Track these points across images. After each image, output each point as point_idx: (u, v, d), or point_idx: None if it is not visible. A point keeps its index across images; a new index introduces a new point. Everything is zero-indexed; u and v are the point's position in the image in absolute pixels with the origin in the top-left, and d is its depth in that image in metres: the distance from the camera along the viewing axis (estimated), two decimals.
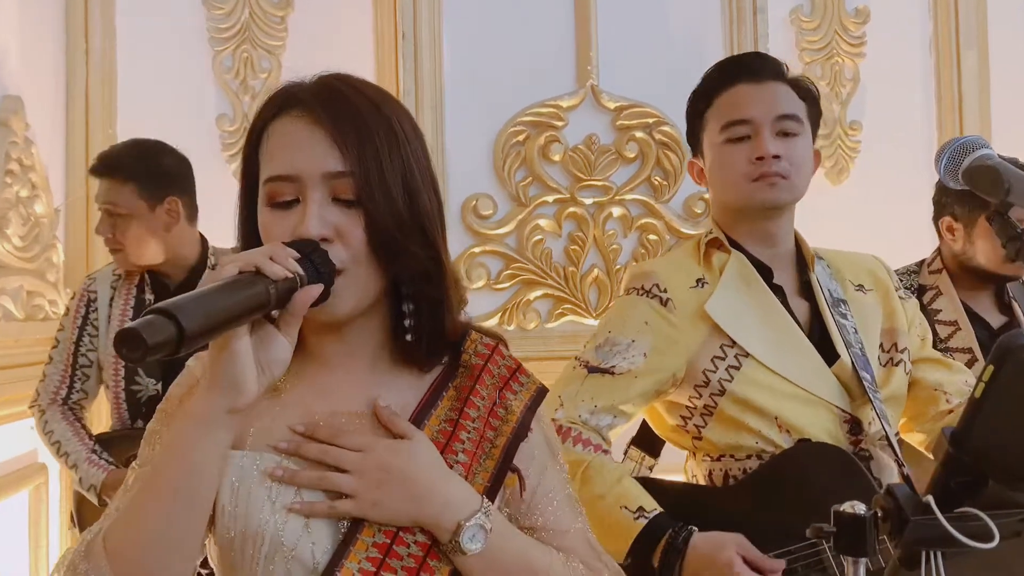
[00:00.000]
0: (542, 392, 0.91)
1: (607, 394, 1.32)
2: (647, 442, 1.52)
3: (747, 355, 1.32)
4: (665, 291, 1.36)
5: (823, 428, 1.32)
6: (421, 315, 0.84)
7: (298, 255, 0.74)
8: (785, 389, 1.32)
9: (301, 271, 0.74)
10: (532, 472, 0.89)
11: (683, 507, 1.27)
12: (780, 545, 1.22)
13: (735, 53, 2.51)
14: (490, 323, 2.38)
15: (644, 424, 1.52)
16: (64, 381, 1.97)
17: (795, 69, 2.68)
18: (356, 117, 0.80)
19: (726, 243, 1.40)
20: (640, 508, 1.23)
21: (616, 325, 1.38)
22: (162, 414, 0.87)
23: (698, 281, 1.38)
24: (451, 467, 0.83)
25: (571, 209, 2.42)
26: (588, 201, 2.43)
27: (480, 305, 2.38)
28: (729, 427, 1.33)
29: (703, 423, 1.35)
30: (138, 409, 1.93)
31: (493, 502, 0.83)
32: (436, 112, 2.36)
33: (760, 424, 1.31)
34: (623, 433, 1.50)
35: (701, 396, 1.34)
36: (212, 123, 2.63)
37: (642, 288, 1.38)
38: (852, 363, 1.33)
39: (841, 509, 0.76)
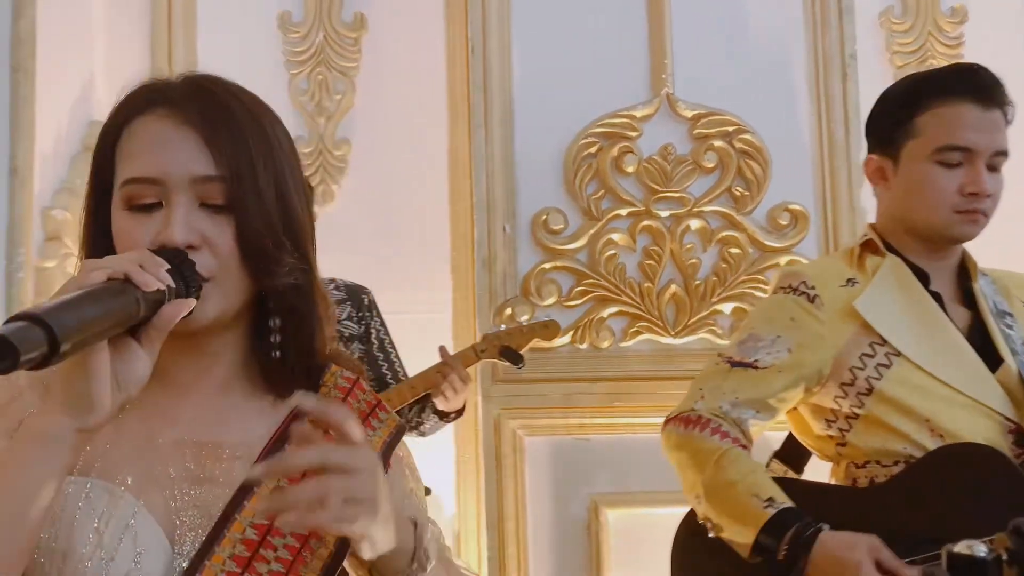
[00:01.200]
0: (401, 429, 0.85)
1: (750, 387, 1.33)
2: (792, 456, 1.50)
3: (898, 354, 1.30)
4: (813, 288, 1.35)
5: (983, 437, 1.26)
6: (287, 331, 0.78)
7: (167, 265, 0.69)
8: (940, 391, 1.28)
9: (172, 283, 0.68)
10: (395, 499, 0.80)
11: (817, 505, 1.25)
12: (917, 553, 1.16)
13: (820, 58, 2.41)
14: (561, 341, 2.31)
15: (789, 437, 1.50)
16: None
17: (886, 74, 2.56)
18: (229, 119, 0.75)
19: (881, 247, 1.38)
20: (771, 499, 1.22)
21: (760, 323, 1.40)
22: None
23: (849, 280, 1.37)
24: None
25: (646, 222, 2.33)
26: (664, 214, 2.33)
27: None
28: (876, 430, 1.30)
29: (848, 427, 1.33)
30: None
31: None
32: (505, 126, 2.32)
33: (910, 427, 1.27)
34: (765, 447, 1.48)
35: (847, 396, 1.32)
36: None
37: (789, 287, 1.38)
38: (1019, 371, 1.27)
39: (956, 550, 0.67)
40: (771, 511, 1.21)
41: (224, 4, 2.69)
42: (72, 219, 2.09)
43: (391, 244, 2.45)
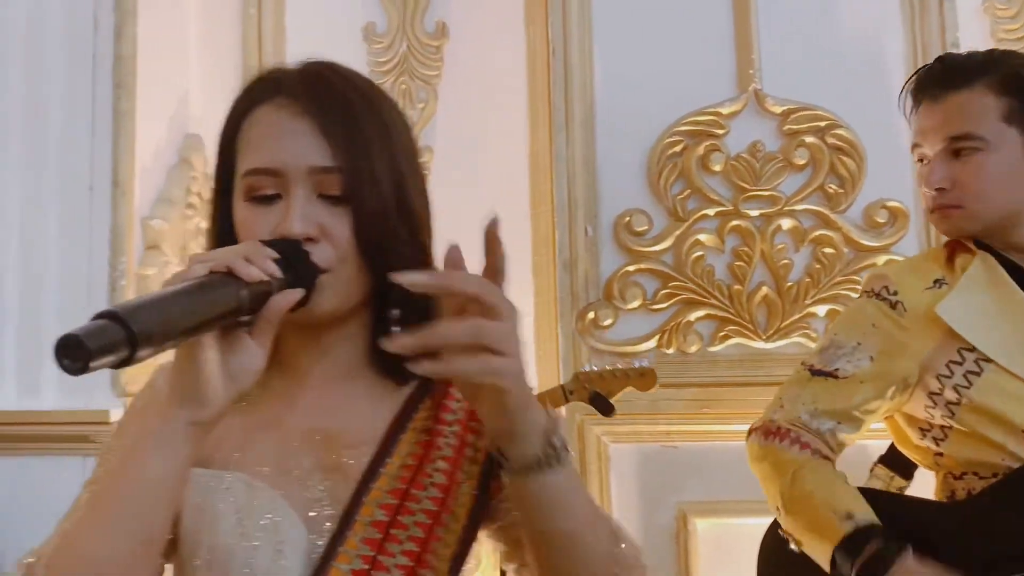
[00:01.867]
0: None
1: (829, 397, 1.29)
2: (897, 462, 1.44)
3: (989, 360, 1.23)
4: (895, 293, 1.31)
5: None
6: (407, 323, 0.76)
7: (276, 255, 0.68)
8: None
9: (279, 273, 0.67)
10: None
11: (904, 520, 1.19)
12: (1009, 571, 1.11)
13: (919, 48, 2.29)
14: (646, 346, 2.26)
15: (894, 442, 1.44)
16: None
17: None
18: (346, 108, 0.75)
19: (971, 243, 1.31)
20: (849, 513, 1.17)
21: (842, 328, 1.36)
22: (120, 429, 0.82)
23: (936, 282, 1.31)
24: (430, 476, 0.75)
25: (735, 222, 2.25)
26: (754, 213, 2.25)
27: (635, 327, 2.26)
28: (969, 441, 1.23)
29: (943, 436, 1.28)
30: None
31: (484, 513, 0.77)
32: (586, 127, 2.29)
33: (1005, 438, 1.20)
34: (869, 451, 1.43)
35: (936, 405, 1.27)
36: None
37: (872, 291, 1.34)
38: None
39: None
40: (848, 527, 1.16)
41: (311, 18, 2.76)
42: (169, 228, 2.17)
43: (472, 249, 2.45)
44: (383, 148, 0.76)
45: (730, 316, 2.26)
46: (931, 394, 1.26)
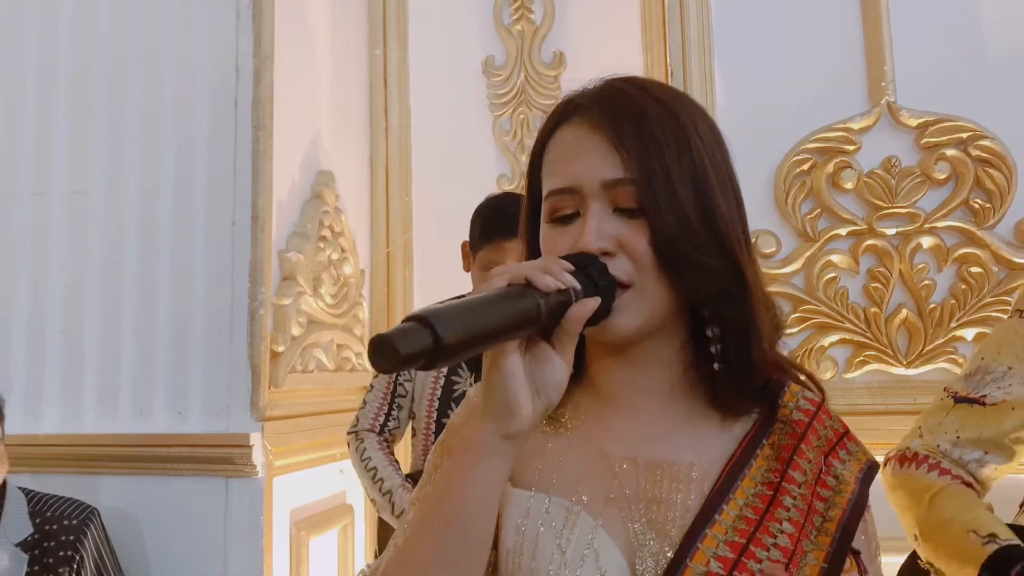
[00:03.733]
0: (874, 466, 0.76)
1: (975, 425, 1.20)
2: None
3: None
4: None
5: None
6: (726, 341, 0.73)
7: (573, 268, 0.67)
8: None
9: (576, 284, 0.66)
10: (864, 558, 0.73)
11: None
12: None
13: None
14: None
15: None
16: (382, 409, 2.00)
17: None
18: (639, 117, 0.71)
19: None
20: (992, 535, 1.10)
21: (990, 352, 1.25)
22: (441, 446, 0.81)
23: None
24: (774, 537, 0.69)
25: (870, 242, 2.14)
26: (890, 232, 2.13)
27: None
28: None
29: None
30: None
31: None
32: None
33: None
34: (1015, 483, 1.29)
35: None
36: (493, 184, 2.76)
37: (1021, 311, 1.25)
38: None
39: None
40: (992, 547, 1.08)
41: (433, 54, 2.86)
42: (304, 260, 2.28)
43: None
44: (681, 155, 0.71)
45: (867, 341, 2.14)
46: None
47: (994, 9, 2.15)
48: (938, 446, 1.21)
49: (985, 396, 1.20)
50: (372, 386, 2.04)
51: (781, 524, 0.70)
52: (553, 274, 0.65)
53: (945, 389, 1.27)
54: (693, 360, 0.75)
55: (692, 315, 0.74)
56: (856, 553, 0.72)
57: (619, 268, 0.70)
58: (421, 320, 0.56)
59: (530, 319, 0.63)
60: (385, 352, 0.55)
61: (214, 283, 2.10)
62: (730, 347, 0.73)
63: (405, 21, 2.87)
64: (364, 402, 2.03)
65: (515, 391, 0.64)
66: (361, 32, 2.85)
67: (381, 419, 1.99)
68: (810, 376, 0.79)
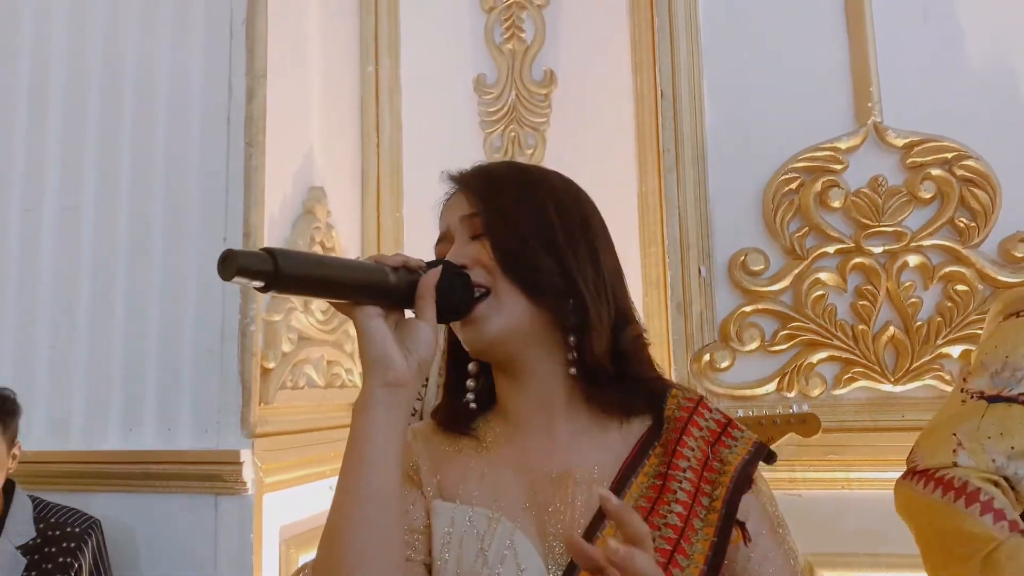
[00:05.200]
0: (760, 448, 0.88)
1: (1021, 427, 1.06)
2: None
3: None
4: None
5: None
6: (580, 347, 0.86)
7: (420, 258, 0.84)
8: None
9: (423, 263, 0.82)
10: (751, 528, 0.83)
11: None
12: None
13: None
14: (766, 389, 2.18)
15: None
16: None
17: None
18: (489, 175, 0.92)
19: None
20: None
21: (1011, 348, 1.14)
22: None
23: None
24: (664, 517, 0.80)
25: (857, 260, 2.16)
26: (877, 250, 2.16)
27: (754, 369, 2.19)
28: None
29: None
30: None
31: (723, 560, 0.80)
32: (697, 166, 2.27)
33: None
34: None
35: None
36: None
37: None
38: None
39: None
40: None
41: (425, 73, 2.88)
42: None
43: None
44: (520, 196, 0.89)
45: (855, 358, 2.15)
46: None
47: (978, 31, 2.19)
48: (992, 461, 1.05)
49: (1023, 394, 1.09)
50: None
51: (670, 506, 0.81)
52: (402, 256, 0.83)
53: (964, 390, 1.16)
54: (573, 374, 0.88)
55: (564, 336, 0.87)
56: (741, 524, 0.82)
57: (477, 276, 0.87)
58: (270, 251, 0.69)
59: (378, 283, 0.78)
60: (228, 264, 0.66)
61: (205, 299, 2.10)
62: (579, 349, 0.86)
63: (397, 39, 2.89)
64: None
65: (383, 347, 0.78)
66: (353, 49, 2.87)
67: None
68: (688, 388, 0.93)
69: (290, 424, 2.24)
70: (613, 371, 0.87)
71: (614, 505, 0.67)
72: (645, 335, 0.93)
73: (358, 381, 2.73)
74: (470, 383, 0.90)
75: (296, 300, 2.28)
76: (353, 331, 2.58)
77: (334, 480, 2.39)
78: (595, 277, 0.89)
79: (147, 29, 2.22)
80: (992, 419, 1.08)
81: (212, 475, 1.99)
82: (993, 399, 1.10)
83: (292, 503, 2.24)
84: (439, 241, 0.95)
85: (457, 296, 0.84)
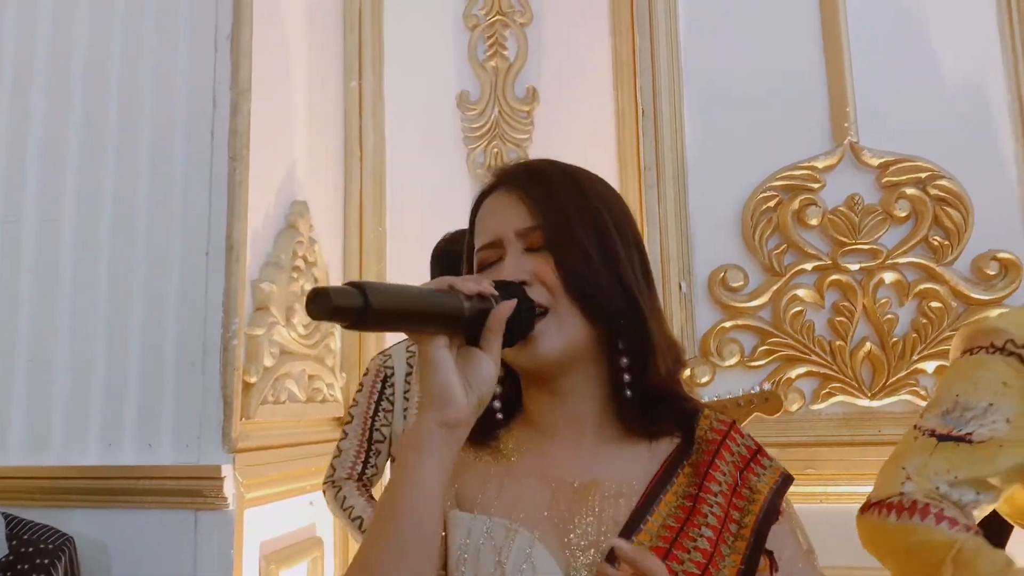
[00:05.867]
0: (787, 479, 0.86)
1: (968, 465, 1.13)
2: (992, 529, 1.24)
3: None
4: (1022, 347, 1.18)
5: None
6: (634, 370, 0.84)
7: (491, 284, 0.80)
8: None
9: (495, 292, 0.78)
10: (783, 560, 0.81)
11: None
12: None
13: (1023, 95, 2.22)
14: None
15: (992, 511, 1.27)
16: (360, 456, 1.97)
17: None
18: (544, 181, 0.88)
19: None
20: None
21: (965, 387, 1.19)
22: (397, 449, 0.91)
23: None
24: (693, 540, 0.79)
25: (834, 277, 2.21)
26: (854, 267, 2.20)
27: (734, 384, 2.21)
28: None
29: None
30: None
31: None
32: (678, 183, 2.31)
33: None
34: None
35: None
36: (466, 216, 2.79)
37: (992, 345, 1.20)
38: None
39: None
40: None
41: (409, 88, 2.90)
42: (277, 291, 2.28)
43: None
44: (581, 208, 0.86)
45: (832, 373, 2.19)
46: None
47: (951, 55, 2.25)
48: (936, 487, 1.13)
49: (971, 434, 1.15)
50: (346, 433, 2.01)
51: (700, 529, 0.80)
52: (475, 282, 0.78)
53: (916, 427, 1.21)
54: (613, 393, 0.86)
55: (609, 354, 0.85)
56: (769, 553, 0.80)
57: (536, 294, 0.83)
58: (358, 286, 0.67)
59: (453, 313, 0.75)
60: (321, 302, 0.64)
61: (187, 313, 2.09)
62: (635, 371, 0.84)
63: (381, 54, 2.91)
64: (339, 450, 1.99)
65: (447, 380, 0.75)
66: (337, 64, 2.88)
67: (359, 467, 1.96)
68: (712, 408, 0.91)
69: (271, 439, 2.23)
70: (668, 391, 0.86)
71: (628, 552, 0.69)
72: (684, 355, 0.91)
73: (339, 396, 2.72)
74: (497, 389, 0.83)
75: (279, 315, 2.28)
76: (335, 345, 2.58)
77: (314, 495, 2.38)
78: (650, 296, 0.87)
79: (131, 42, 2.22)
80: (940, 457, 1.15)
81: (193, 490, 1.98)
82: (943, 438, 1.16)
83: (272, 519, 2.23)
84: (484, 246, 0.88)
85: (523, 326, 0.81)
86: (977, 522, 1.14)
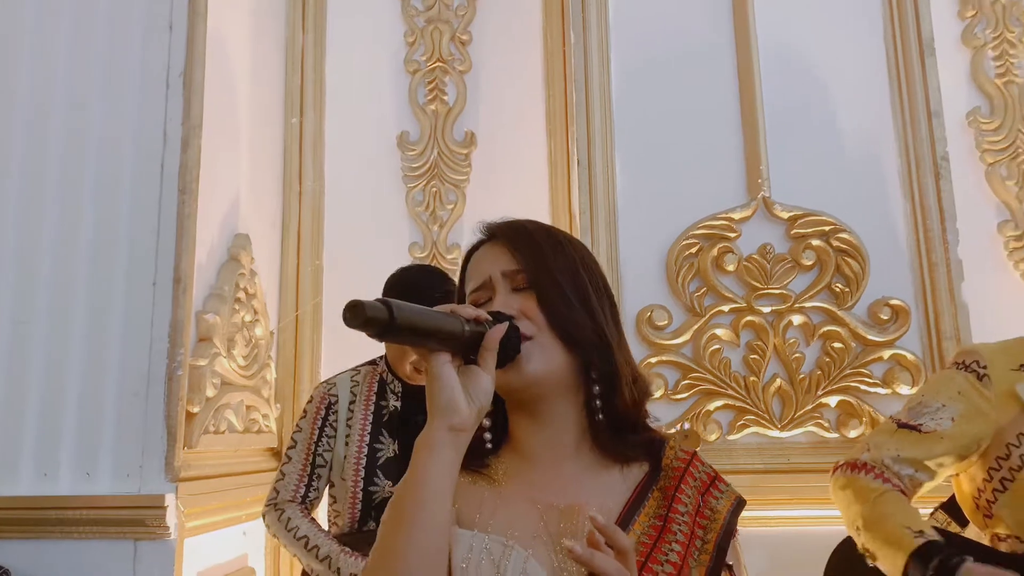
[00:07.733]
0: (741, 502, 0.98)
1: (911, 447, 1.48)
2: (956, 509, 1.63)
3: None
4: (984, 368, 1.51)
5: None
6: (603, 394, 0.96)
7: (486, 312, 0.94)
8: None
9: (490, 318, 0.91)
10: (735, 569, 0.95)
11: (964, 552, 1.34)
12: None
13: (912, 159, 2.50)
14: (670, 434, 2.37)
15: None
16: (303, 480, 1.99)
17: (977, 171, 2.63)
18: (526, 234, 1.02)
19: None
20: (921, 531, 1.36)
21: (930, 392, 1.55)
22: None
23: (1022, 366, 1.50)
24: (665, 555, 0.91)
25: (749, 318, 2.41)
26: (766, 310, 2.41)
27: (661, 414, 2.38)
28: (1020, 504, 1.41)
29: (994, 499, 1.45)
30: (370, 510, 1.96)
31: None
32: (610, 229, 2.47)
33: None
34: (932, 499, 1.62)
35: (1000, 468, 1.45)
36: (405, 252, 2.89)
37: (963, 363, 1.54)
38: None
39: None
40: (920, 540, 1.33)
41: (349, 127, 2.99)
42: (220, 322, 2.31)
43: None
44: (557, 256, 0.99)
45: (747, 406, 2.38)
46: (998, 458, 1.46)
47: (851, 121, 2.52)
48: (883, 459, 1.47)
49: (921, 425, 1.49)
50: (289, 457, 2.03)
51: (671, 545, 0.92)
52: (473, 310, 0.91)
53: (891, 417, 1.56)
54: (589, 421, 0.98)
55: (585, 383, 0.97)
56: (729, 566, 0.93)
57: (523, 326, 0.94)
58: (385, 303, 0.78)
59: (456, 331, 0.86)
60: (357, 312, 0.75)
61: (131, 343, 2.10)
62: (605, 397, 0.96)
63: (322, 93, 3.00)
64: (282, 473, 2.01)
65: (452, 392, 0.86)
66: (278, 101, 2.95)
67: (302, 490, 1.99)
68: (672, 436, 1.07)
69: (211, 468, 2.25)
70: (634, 419, 0.98)
71: (601, 522, 0.80)
72: (650, 387, 1.03)
73: (274, 427, 2.74)
74: (486, 422, 0.97)
75: (221, 346, 2.31)
76: (270, 377, 2.62)
77: (249, 525, 2.40)
78: (617, 333, 1.00)
79: (81, 80, 2.24)
80: (895, 439, 1.50)
81: (133, 520, 1.98)
82: (902, 425, 1.51)
83: (210, 548, 2.24)
84: (476, 288, 1.02)
85: (512, 346, 0.92)
86: (919, 494, 1.48)
